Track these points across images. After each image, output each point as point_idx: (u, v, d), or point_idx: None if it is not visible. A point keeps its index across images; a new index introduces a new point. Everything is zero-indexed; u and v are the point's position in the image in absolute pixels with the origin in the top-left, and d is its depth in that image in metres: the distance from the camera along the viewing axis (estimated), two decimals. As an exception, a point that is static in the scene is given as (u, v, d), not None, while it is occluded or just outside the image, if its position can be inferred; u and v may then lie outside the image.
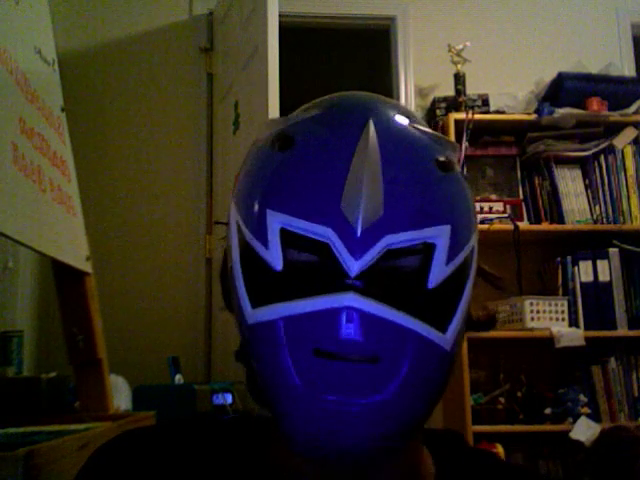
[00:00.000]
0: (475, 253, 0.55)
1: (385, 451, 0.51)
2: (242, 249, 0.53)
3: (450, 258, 0.51)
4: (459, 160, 0.57)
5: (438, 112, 2.70)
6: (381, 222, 0.49)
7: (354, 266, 0.48)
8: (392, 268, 0.50)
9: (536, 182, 2.69)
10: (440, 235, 0.51)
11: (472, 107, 2.64)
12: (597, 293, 2.56)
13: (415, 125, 0.55)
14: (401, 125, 0.54)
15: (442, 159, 0.53)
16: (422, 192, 0.51)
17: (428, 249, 0.51)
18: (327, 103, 0.57)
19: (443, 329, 0.51)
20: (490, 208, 2.59)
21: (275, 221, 0.51)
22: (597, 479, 1.77)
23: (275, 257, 0.51)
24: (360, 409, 0.48)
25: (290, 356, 0.49)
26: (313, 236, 0.49)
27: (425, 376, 0.50)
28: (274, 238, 0.51)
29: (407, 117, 0.55)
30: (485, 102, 2.69)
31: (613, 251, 2.58)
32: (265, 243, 0.51)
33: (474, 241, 0.55)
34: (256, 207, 0.52)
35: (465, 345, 2.41)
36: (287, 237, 0.50)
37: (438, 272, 0.51)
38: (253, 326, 0.51)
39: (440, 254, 0.51)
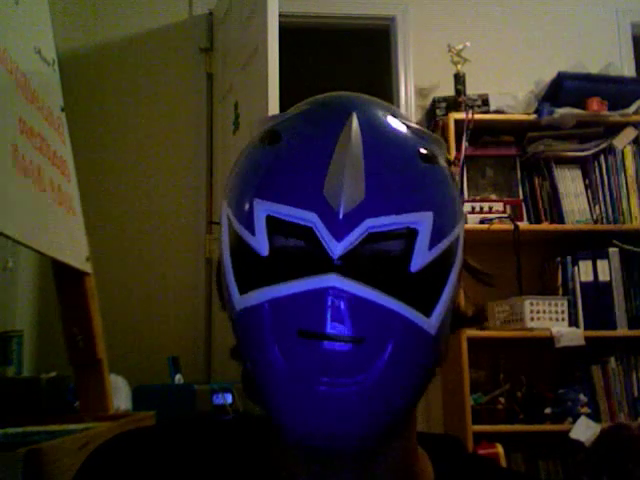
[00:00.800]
0: (460, 242, 0.56)
1: (375, 437, 0.51)
2: (231, 239, 0.55)
3: (433, 244, 0.52)
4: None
5: (438, 112, 2.70)
6: (362, 206, 0.50)
7: (337, 248, 0.49)
8: (375, 251, 0.51)
9: (536, 182, 2.69)
10: (422, 221, 0.52)
11: (472, 107, 2.64)
12: (597, 293, 2.56)
13: (399, 119, 0.57)
14: (384, 119, 0.56)
15: (424, 151, 0.55)
16: (403, 179, 0.53)
17: (410, 234, 0.52)
18: (314, 101, 0.59)
19: (427, 313, 0.52)
20: (490, 208, 2.59)
21: (262, 209, 0.52)
22: (597, 478, 1.77)
23: (261, 243, 0.52)
24: (346, 390, 0.49)
25: (275, 338, 0.50)
26: (297, 221, 0.51)
27: (410, 358, 0.51)
28: (260, 225, 0.52)
29: (391, 113, 0.57)
30: (485, 102, 2.69)
31: (613, 251, 2.58)
32: (252, 231, 0.53)
33: (459, 230, 0.56)
34: (244, 198, 0.54)
35: (465, 345, 2.41)
36: (273, 224, 0.52)
37: (421, 256, 0.52)
38: (241, 312, 0.53)
39: (423, 239, 0.52)
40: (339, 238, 0.49)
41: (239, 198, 0.55)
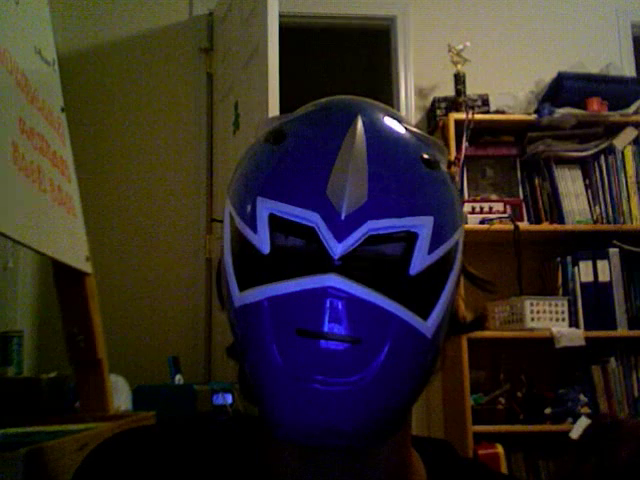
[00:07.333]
0: (460, 248, 0.57)
1: (367, 437, 0.51)
2: (233, 237, 0.55)
3: (432, 248, 0.53)
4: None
5: (438, 112, 2.70)
6: (364, 208, 0.51)
7: (337, 248, 0.50)
8: (375, 253, 0.52)
9: (536, 182, 2.69)
10: (423, 225, 0.53)
11: (472, 107, 2.64)
12: (597, 293, 2.56)
13: (402, 124, 0.57)
14: (388, 123, 0.57)
15: (427, 157, 0.56)
16: (406, 183, 0.53)
17: (411, 238, 0.52)
18: (319, 103, 0.60)
19: (425, 316, 0.52)
20: (490, 208, 2.59)
21: (264, 207, 0.53)
22: (585, 463, 1.79)
23: (263, 241, 0.53)
24: (342, 389, 0.49)
25: (274, 336, 0.50)
26: (300, 221, 0.51)
27: (405, 360, 0.52)
28: (263, 223, 0.53)
29: (394, 118, 0.58)
30: (485, 102, 2.69)
31: (613, 251, 2.58)
32: (254, 228, 0.53)
33: (459, 236, 0.56)
34: (247, 196, 0.54)
35: (465, 345, 2.41)
36: (275, 222, 0.52)
37: (420, 260, 0.52)
38: (240, 309, 0.53)
39: (422, 243, 0.53)
40: (340, 239, 0.50)
41: (242, 196, 0.55)
